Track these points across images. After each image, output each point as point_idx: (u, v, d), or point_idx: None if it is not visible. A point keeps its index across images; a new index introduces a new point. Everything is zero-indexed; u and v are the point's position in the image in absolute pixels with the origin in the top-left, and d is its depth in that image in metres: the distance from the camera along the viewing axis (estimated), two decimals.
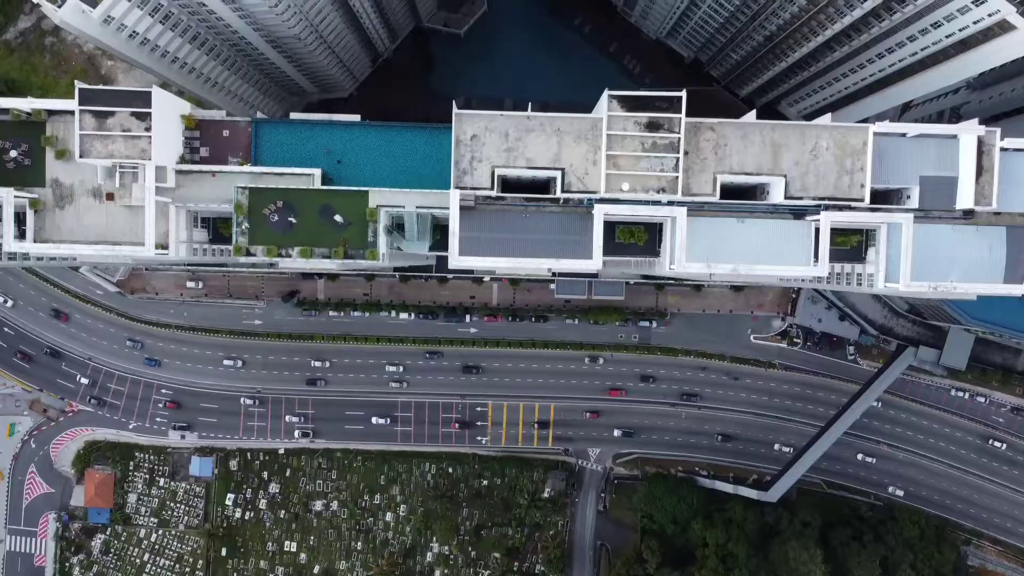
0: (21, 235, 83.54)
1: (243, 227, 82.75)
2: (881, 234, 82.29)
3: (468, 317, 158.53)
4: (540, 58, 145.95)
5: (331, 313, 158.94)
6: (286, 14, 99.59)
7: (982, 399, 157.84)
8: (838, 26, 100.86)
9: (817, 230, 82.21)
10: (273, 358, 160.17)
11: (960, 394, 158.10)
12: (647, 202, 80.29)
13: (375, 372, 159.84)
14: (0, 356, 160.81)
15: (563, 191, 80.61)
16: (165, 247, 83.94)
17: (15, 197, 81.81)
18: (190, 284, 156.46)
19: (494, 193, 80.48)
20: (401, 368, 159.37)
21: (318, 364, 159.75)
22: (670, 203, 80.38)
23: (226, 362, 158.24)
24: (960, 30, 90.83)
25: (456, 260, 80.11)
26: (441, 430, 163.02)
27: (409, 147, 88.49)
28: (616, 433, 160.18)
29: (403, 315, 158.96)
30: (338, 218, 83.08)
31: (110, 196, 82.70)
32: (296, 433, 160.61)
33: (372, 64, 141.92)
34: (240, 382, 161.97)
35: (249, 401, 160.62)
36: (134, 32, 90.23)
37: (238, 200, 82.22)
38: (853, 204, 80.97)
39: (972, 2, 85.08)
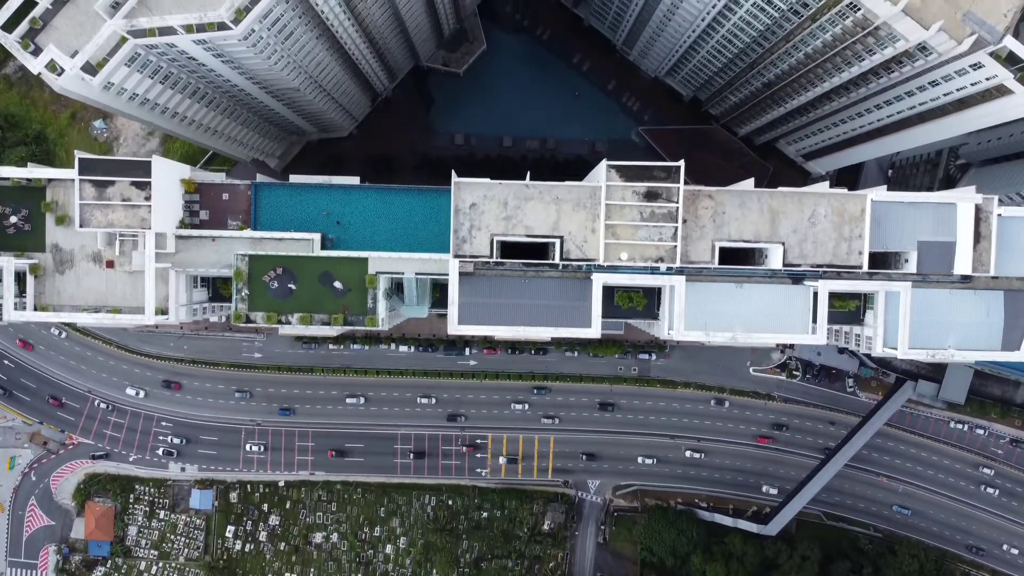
0: (21, 292, 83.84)
1: (243, 293, 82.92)
2: (879, 300, 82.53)
3: (468, 350, 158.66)
4: (539, 95, 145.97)
5: (331, 346, 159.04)
6: (285, 69, 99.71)
7: (981, 431, 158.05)
8: (836, 80, 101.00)
9: (815, 295, 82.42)
10: (273, 391, 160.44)
11: (959, 426, 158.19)
12: (646, 270, 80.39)
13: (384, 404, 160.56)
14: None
15: (562, 258, 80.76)
16: (165, 312, 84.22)
17: (15, 263, 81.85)
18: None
19: (493, 260, 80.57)
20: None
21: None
22: (668, 271, 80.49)
23: (236, 395, 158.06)
24: (958, 90, 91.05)
25: (455, 328, 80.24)
26: (441, 462, 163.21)
27: (408, 209, 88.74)
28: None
29: (403, 348, 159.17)
30: (338, 284, 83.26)
31: (110, 264, 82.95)
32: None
33: (371, 103, 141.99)
34: (240, 414, 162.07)
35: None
36: (134, 94, 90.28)
37: (238, 267, 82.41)
38: (851, 272, 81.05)
39: (970, 66, 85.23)
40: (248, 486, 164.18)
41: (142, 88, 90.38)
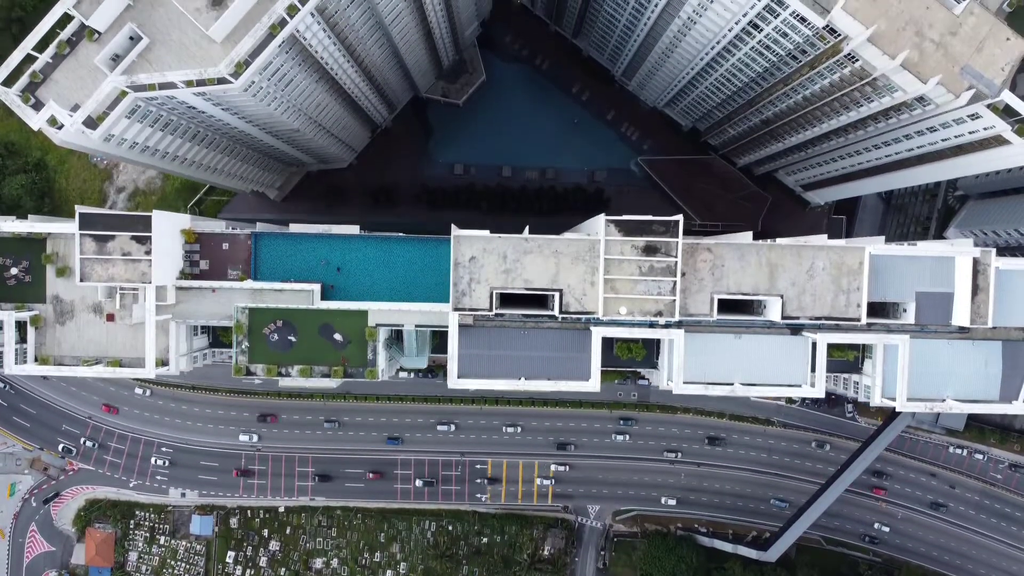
0: (22, 338, 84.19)
1: (243, 346, 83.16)
2: (878, 351, 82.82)
3: None
4: (538, 125, 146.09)
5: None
6: (286, 114, 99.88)
7: (980, 456, 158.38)
8: (835, 123, 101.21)
9: (814, 345, 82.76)
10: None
11: (959, 451, 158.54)
12: (644, 323, 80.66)
13: (374, 430, 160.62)
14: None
15: (561, 311, 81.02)
16: (166, 363, 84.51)
17: (16, 316, 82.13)
18: None
19: (492, 313, 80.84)
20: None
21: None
22: (667, 325, 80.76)
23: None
24: (956, 136, 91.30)
25: (455, 383, 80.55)
26: (440, 487, 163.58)
27: (407, 257, 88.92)
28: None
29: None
30: (338, 336, 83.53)
31: (111, 317, 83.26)
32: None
33: (371, 135, 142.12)
34: (241, 440, 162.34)
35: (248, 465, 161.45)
36: (134, 143, 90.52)
37: (238, 320, 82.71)
38: (849, 324, 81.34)
39: (968, 116, 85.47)
40: (248, 511, 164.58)
41: (142, 137, 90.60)
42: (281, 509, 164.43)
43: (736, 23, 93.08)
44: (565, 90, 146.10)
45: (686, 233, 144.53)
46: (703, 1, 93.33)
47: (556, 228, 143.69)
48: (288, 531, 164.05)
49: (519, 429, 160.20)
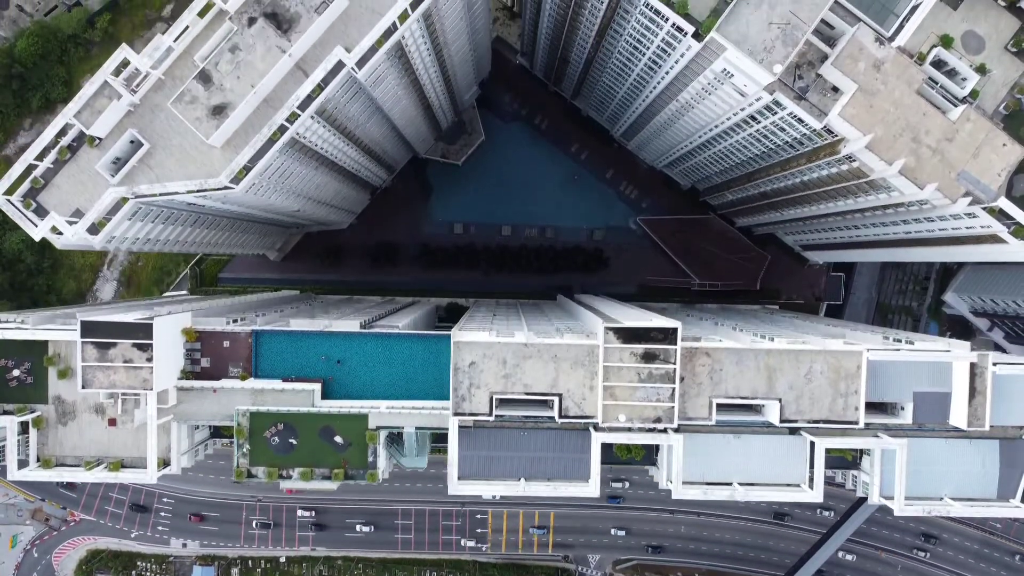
0: (23, 430, 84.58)
1: (244, 449, 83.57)
2: (876, 453, 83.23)
3: None
4: (538, 184, 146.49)
5: None
6: (286, 199, 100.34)
7: None
8: (832, 207, 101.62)
9: (813, 445, 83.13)
10: None
11: None
12: (644, 429, 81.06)
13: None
14: None
15: (560, 415, 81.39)
16: (168, 463, 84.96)
17: (18, 419, 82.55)
18: None
19: (492, 418, 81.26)
20: None
21: None
22: (666, 430, 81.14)
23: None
24: (953, 229, 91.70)
25: (455, 488, 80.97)
26: (441, 537, 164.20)
27: (407, 353, 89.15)
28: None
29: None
30: (338, 439, 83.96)
31: (112, 422, 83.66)
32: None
33: (371, 196, 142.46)
34: (241, 490, 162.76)
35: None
36: (136, 238, 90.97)
37: (239, 423, 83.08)
38: (847, 428, 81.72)
39: (965, 214, 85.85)
40: (250, 561, 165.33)
41: (143, 233, 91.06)
42: (282, 559, 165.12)
43: (734, 114, 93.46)
44: (564, 149, 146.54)
45: (685, 294, 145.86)
46: (700, 92, 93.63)
47: (555, 287, 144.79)
48: None
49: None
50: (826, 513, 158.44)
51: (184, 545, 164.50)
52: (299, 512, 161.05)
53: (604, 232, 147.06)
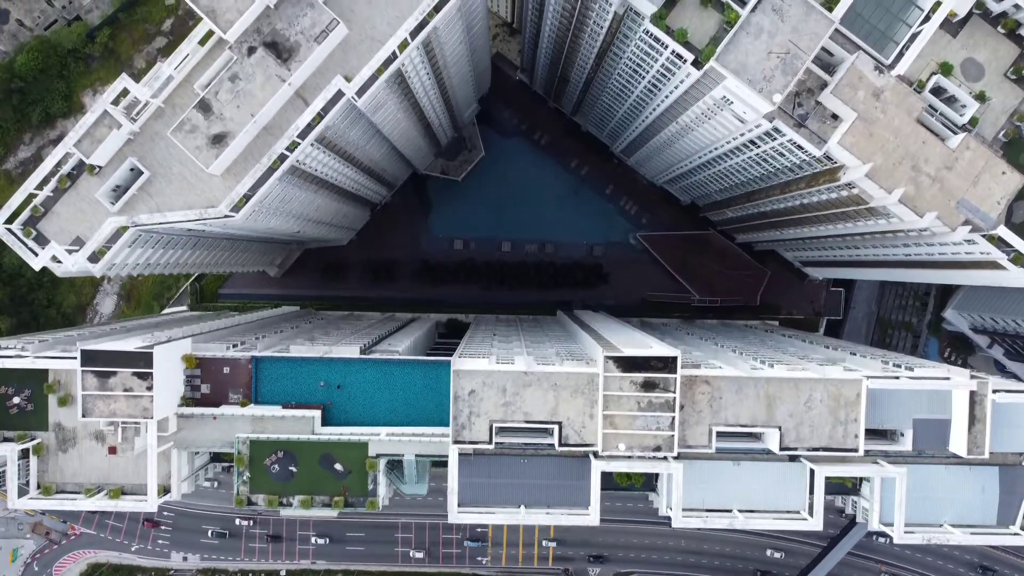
0: (24, 457, 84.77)
1: (244, 477, 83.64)
2: (876, 481, 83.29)
3: None
4: (538, 200, 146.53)
5: None
6: (288, 221, 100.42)
7: None
8: (832, 230, 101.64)
9: (812, 472, 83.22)
10: None
11: None
12: (643, 458, 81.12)
13: None
14: None
15: (560, 443, 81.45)
16: (168, 489, 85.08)
17: (18, 448, 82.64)
18: None
19: (492, 446, 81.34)
20: None
21: None
22: (666, 458, 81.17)
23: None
24: (953, 253, 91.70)
25: (455, 517, 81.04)
26: (442, 550, 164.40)
27: (407, 379, 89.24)
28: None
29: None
30: (338, 466, 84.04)
31: (113, 450, 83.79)
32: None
33: (371, 213, 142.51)
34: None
35: (246, 522, 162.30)
36: (136, 263, 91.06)
37: (239, 451, 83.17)
38: (847, 455, 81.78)
39: (965, 240, 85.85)
40: (250, 574, 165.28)
41: (143, 258, 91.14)
42: (283, 573, 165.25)
43: (733, 139, 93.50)
44: (564, 164, 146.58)
45: (685, 309, 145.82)
46: (700, 116, 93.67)
47: (555, 303, 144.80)
48: None
49: None
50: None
51: (185, 559, 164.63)
52: (314, 539, 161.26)
53: (604, 247, 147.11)
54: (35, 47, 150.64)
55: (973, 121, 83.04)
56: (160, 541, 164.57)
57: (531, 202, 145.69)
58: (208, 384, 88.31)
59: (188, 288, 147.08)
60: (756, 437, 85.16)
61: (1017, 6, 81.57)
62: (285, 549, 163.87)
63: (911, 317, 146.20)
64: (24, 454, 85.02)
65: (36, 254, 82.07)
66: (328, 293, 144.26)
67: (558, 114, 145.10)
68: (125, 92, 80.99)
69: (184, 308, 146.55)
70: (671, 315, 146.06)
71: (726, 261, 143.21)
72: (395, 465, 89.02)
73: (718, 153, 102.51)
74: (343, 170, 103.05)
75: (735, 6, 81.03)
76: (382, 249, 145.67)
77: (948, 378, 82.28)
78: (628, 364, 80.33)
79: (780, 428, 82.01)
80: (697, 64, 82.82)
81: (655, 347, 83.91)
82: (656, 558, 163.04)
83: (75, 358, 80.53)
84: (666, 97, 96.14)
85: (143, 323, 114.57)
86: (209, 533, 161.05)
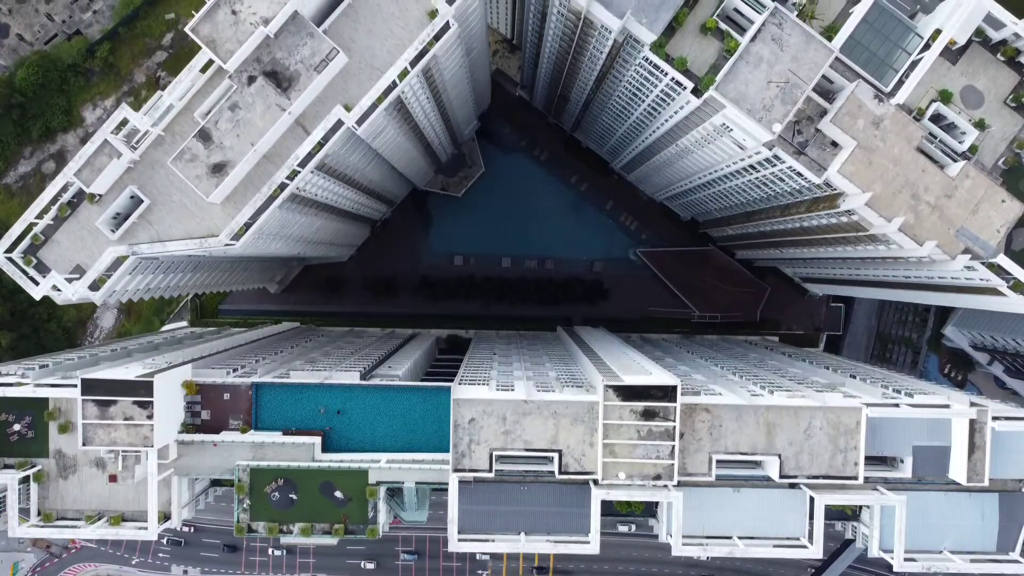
0: (24, 483, 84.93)
1: (245, 504, 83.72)
2: (875, 508, 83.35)
3: None
4: (538, 216, 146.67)
5: None
6: (289, 244, 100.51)
7: None
8: (831, 252, 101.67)
9: (812, 499, 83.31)
10: None
11: None
12: (643, 486, 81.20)
13: None
14: None
15: (561, 471, 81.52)
16: (168, 516, 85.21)
17: (19, 475, 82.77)
18: None
19: (492, 474, 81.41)
20: None
21: None
22: (666, 486, 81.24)
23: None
24: (952, 278, 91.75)
25: (455, 545, 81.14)
26: (442, 564, 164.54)
27: (407, 405, 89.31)
28: None
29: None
30: (338, 494, 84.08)
31: (113, 478, 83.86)
32: None
33: (371, 229, 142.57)
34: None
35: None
36: (137, 289, 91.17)
37: (239, 479, 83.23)
38: (847, 483, 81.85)
39: (964, 267, 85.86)
40: None
41: (143, 284, 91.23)
42: None
43: (733, 163, 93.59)
44: (564, 180, 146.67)
45: (685, 325, 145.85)
46: (699, 141, 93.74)
47: (556, 318, 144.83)
48: None
49: None
50: None
51: (185, 572, 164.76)
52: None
53: (604, 263, 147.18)
54: (35, 62, 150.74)
55: (973, 149, 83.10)
56: (161, 554, 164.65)
57: (531, 218, 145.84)
58: (208, 410, 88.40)
59: (188, 304, 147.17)
60: (756, 464, 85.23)
61: (1017, 35, 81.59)
62: (285, 562, 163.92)
63: (911, 333, 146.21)
64: (25, 481, 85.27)
65: (37, 283, 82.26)
66: (328, 309, 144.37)
67: (558, 130, 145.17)
68: (125, 121, 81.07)
69: (184, 324, 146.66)
70: (671, 331, 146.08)
71: (726, 277, 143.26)
72: (395, 492, 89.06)
73: (718, 175, 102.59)
74: (343, 192, 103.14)
75: (735, 35, 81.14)
76: (382, 265, 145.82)
77: (948, 406, 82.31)
78: (628, 393, 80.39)
79: (780, 456, 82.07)
80: (697, 92, 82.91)
81: (655, 374, 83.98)
82: (656, 571, 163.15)
83: (75, 386, 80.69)
84: (666, 121, 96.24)
85: (143, 343, 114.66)
86: (221, 547, 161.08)
